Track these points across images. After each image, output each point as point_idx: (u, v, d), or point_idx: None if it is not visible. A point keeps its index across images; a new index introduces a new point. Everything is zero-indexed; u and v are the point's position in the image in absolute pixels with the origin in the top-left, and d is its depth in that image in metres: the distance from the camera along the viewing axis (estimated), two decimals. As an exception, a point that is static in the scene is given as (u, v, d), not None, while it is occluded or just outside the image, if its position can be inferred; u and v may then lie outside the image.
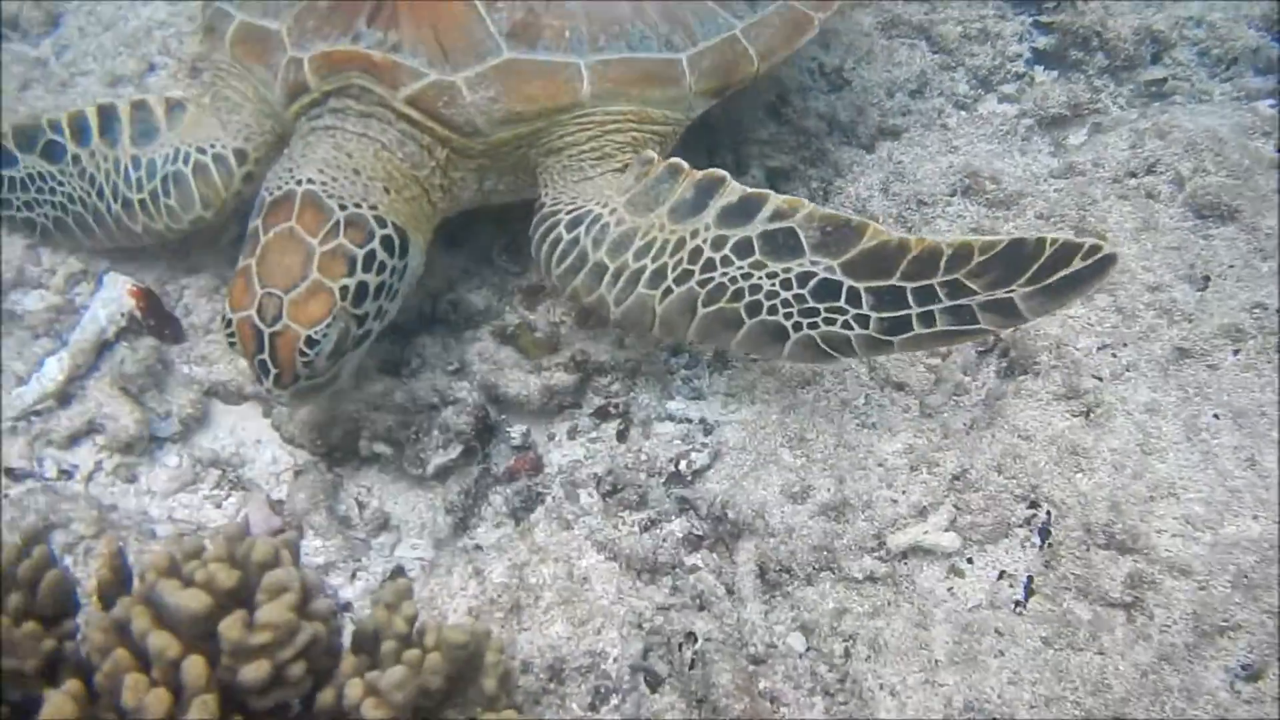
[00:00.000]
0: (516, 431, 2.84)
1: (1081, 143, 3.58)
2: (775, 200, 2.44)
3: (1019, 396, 2.65)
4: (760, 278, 2.42)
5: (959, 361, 2.81)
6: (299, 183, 2.50)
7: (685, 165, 2.57)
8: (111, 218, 2.97)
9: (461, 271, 3.10)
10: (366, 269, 2.45)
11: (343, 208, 2.48)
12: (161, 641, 1.64)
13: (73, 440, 2.80)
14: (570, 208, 2.65)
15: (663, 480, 2.64)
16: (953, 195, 3.26)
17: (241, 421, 2.95)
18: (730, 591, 2.39)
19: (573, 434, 2.86)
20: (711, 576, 2.41)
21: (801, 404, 2.78)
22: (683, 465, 2.63)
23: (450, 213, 2.83)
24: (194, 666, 1.62)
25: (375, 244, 2.48)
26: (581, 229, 2.59)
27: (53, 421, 2.80)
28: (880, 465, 2.58)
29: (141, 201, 2.90)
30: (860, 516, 2.48)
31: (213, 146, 2.86)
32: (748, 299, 2.44)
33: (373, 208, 2.52)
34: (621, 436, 2.81)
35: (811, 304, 2.40)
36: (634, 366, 2.86)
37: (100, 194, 2.98)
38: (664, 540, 2.49)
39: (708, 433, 2.76)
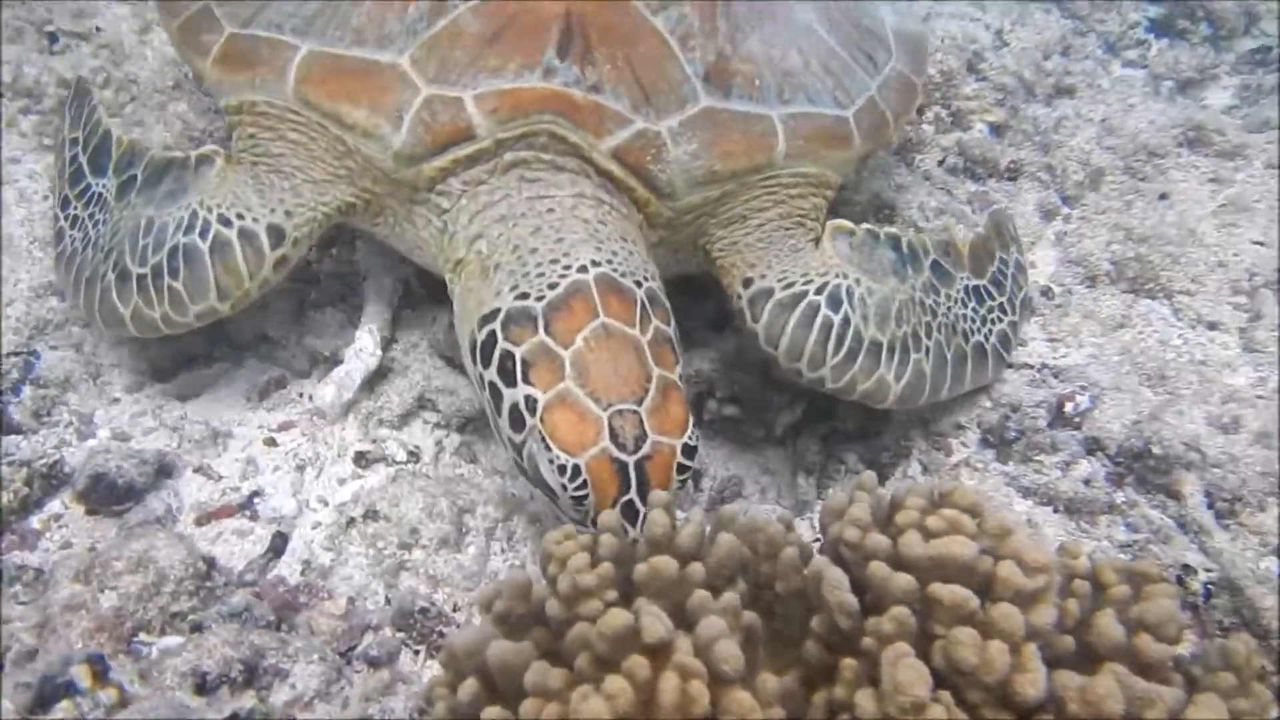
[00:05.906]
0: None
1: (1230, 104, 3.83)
2: (922, 239, 2.58)
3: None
4: (951, 305, 2.52)
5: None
6: (582, 269, 1.97)
7: (876, 228, 2.50)
8: (101, 287, 2.24)
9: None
10: (675, 348, 2.02)
11: (638, 284, 2.00)
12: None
13: (404, 419, 2.44)
14: (815, 285, 2.29)
15: (1046, 423, 2.59)
16: (1180, 147, 3.39)
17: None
18: (1182, 525, 2.37)
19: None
20: (1156, 512, 2.39)
21: (1129, 345, 2.81)
22: (1069, 408, 2.59)
23: None
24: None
25: (672, 319, 2.05)
26: (846, 307, 2.28)
27: (381, 400, 2.43)
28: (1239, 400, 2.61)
29: (140, 278, 2.18)
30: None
31: (241, 218, 2.18)
32: (961, 327, 2.52)
33: (651, 276, 2.07)
34: (970, 387, 2.74)
35: (981, 311, 2.60)
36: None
37: (107, 256, 2.26)
38: (1089, 481, 2.45)
39: (1056, 375, 2.73)
